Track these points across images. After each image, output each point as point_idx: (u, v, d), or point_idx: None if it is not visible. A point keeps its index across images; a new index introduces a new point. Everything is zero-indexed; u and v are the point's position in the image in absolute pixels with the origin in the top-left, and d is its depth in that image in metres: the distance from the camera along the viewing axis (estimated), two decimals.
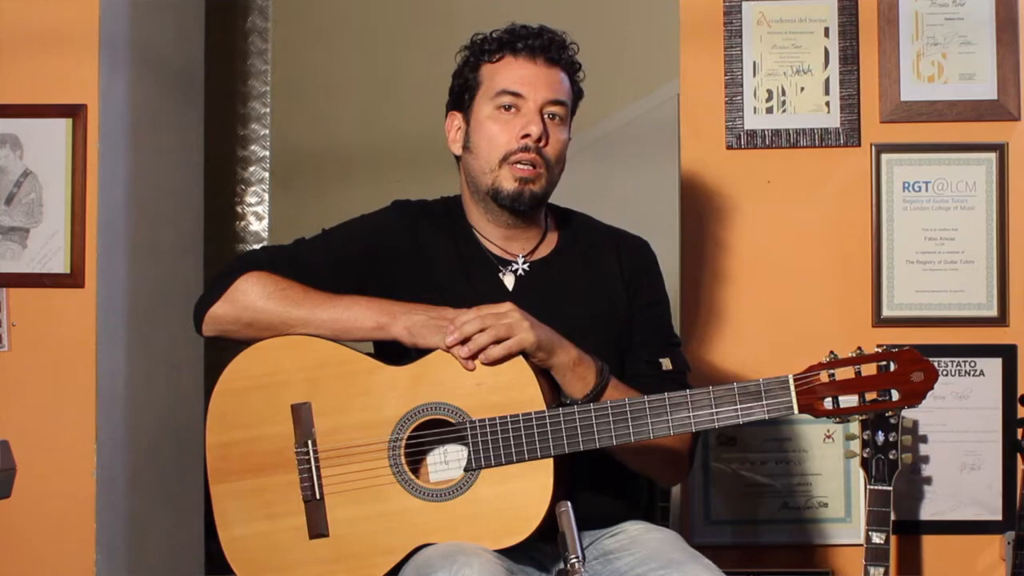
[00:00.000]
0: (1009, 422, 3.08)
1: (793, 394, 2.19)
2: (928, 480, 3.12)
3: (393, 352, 2.33)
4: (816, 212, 3.17)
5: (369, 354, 2.36)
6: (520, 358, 2.26)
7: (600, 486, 2.37)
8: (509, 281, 2.45)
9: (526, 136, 2.37)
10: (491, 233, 2.47)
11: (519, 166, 2.38)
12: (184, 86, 3.93)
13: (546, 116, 2.40)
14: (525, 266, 2.46)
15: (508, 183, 2.39)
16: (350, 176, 5.21)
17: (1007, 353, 3.11)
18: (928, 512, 3.12)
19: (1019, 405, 2.98)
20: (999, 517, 3.10)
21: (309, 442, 2.30)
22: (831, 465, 3.14)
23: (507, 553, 2.24)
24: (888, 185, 3.14)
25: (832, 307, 3.15)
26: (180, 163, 3.92)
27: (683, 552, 2.28)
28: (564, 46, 2.44)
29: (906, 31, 3.15)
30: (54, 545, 3.27)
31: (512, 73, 2.40)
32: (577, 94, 2.48)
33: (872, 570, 2.80)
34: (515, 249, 2.47)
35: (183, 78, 3.93)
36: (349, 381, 2.31)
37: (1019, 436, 2.93)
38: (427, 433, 2.28)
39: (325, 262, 2.42)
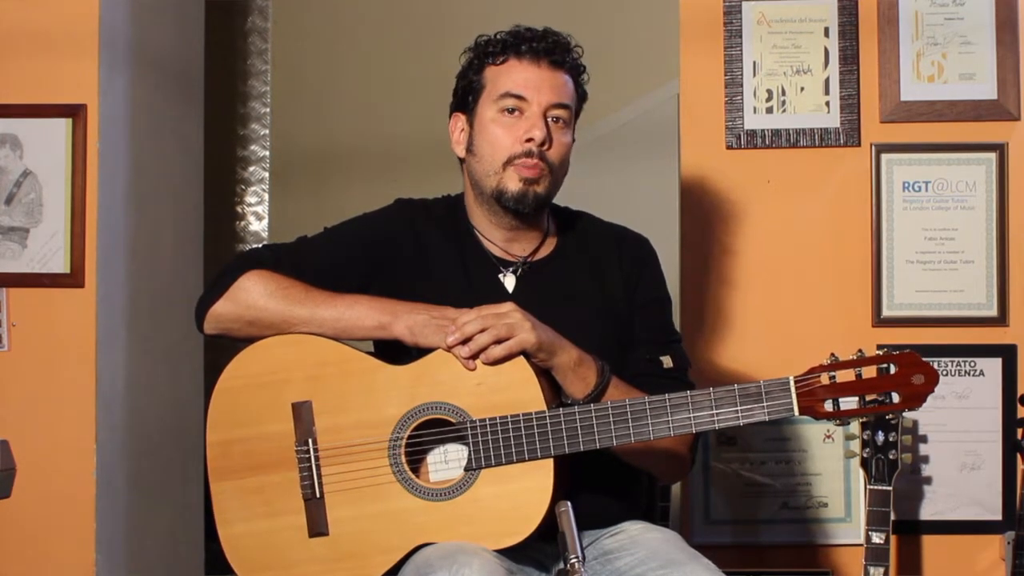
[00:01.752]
0: (1009, 422, 3.08)
1: (794, 396, 2.19)
2: (928, 480, 3.12)
3: (394, 351, 2.33)
4: (816, 212, 3.17)
5: (370, 353, 2.35)
6: (521, 358, 2.26)
7: (600, 486, 2.37)
8: (509, 283, 2.45)
9: (529, 140, 2.37)
10: (493, 235, 2.46)
11: (524, 168, 2.37)
12: (184, 86, 3.93)
13: (549, 119, 2.39)
14: (526, 267, 2.46)
15: (513, 184, 2.38)
16: (350, 176, 5.20)
17: (1007, 353, 3.11)
18: (928, 512, 3.12)
19: (1019, 405, 2.98)
20: (999, 517, 3.10)
21: (309, 441, 2.30)
22: (831, 465, 3.14)
23: (507, 553, 2.23)
24: (888, 185, 3.14)
25: (832, 307, 3.15)
26: (180, 163, 3.92)
27: (683, 552, 2.28)
28: (568, 49, 2.43)
29: (906, 31, 3.15)
30: (54, 545, 3.27)
31: (516, 76, 2.40)
32: (581, 97, 2.47)
33: (872, 570, 2.80)
34: (516, 251, 2.47)
35: (183, 78, 3.93)
36: (350, 380, 2.30)
37: (1019, 436, 2.93)
38: (427, 432, 2.28)
39: (327, 260, 2.42)
